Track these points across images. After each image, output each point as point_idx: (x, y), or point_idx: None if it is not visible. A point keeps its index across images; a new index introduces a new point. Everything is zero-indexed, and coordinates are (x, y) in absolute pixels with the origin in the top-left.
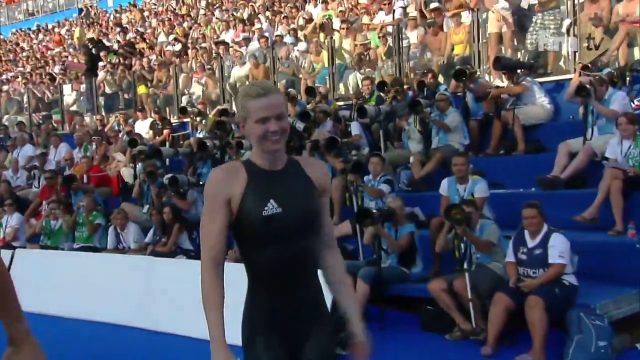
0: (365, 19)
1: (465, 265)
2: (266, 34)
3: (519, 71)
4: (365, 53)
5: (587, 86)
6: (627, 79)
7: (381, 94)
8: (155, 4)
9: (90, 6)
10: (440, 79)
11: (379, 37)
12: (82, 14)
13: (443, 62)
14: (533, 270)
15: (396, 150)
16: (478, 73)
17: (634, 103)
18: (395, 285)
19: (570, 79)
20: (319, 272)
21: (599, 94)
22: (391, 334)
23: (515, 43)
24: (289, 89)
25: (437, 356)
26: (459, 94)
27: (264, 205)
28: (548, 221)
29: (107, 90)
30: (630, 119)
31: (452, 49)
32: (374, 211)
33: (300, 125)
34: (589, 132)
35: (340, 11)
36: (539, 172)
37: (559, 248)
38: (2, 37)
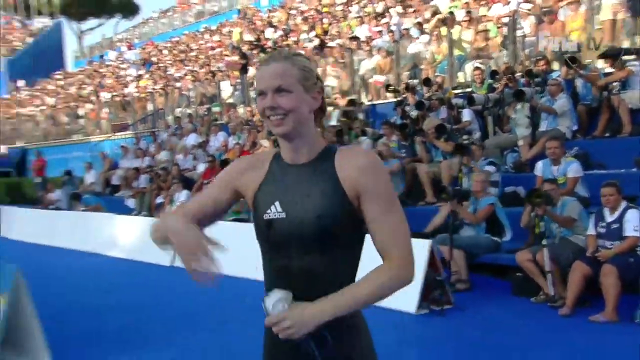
0: (483, 11)
1: (545, 241)
2: (394, 28)
3: (624, 57)
4: (484, 44)
5: None
6: None
7: (493, 82)
8: (300, 3)
9: (248, 8)
10: (556, 65)
11: (497, 28)
12: (241, 16)
13: (558, 49)
14: (610, 242)
15: (504, 135)
16: (589, 60)
17: None
18: (488, 255)
19: None
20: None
21: None
22: (484, 297)
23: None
24: (409, 80)
25: (522, 316)
26: (570, 79)
27: (268, 207)
28: None
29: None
30: None
31: (568, 36)
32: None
33: (414, 113)
34: None
35: (465, 3)
36: None
37: (634, 222)
38: (176, 39)
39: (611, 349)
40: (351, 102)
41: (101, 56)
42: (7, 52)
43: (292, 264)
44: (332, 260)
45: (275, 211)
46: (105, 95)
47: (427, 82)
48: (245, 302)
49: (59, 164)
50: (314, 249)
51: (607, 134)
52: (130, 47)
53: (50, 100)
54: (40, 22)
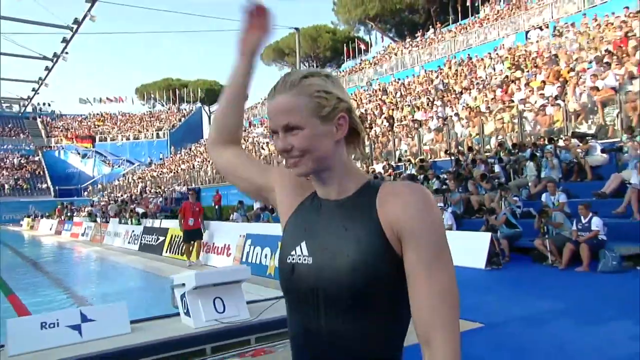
0: (500, 104)
1: (547, 235)
2: (440, 114)
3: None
4: (501, 126)
5: None
6: None
7: (512, 149)
8: (370, 95)
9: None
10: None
11: (512, 117)
12: None
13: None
14: (583, 233)
15: (519, 180)
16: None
17: None
18: (519, 241)
19: None
20: None
21: None
22: (518, 264)
23: None
24: (458, 147)
25: (538, 272)
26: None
27: (293, 247)
28: None
29: None
30: None
31: (551, 123)
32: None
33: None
34: None
35: (492, 99)
36: None
37: (596, 223)
38: None
39: (584, 283)
40: (422, 160)
41: None
42: (169, 128)
43: (320, 325)
44: (370, 324)
45: (300, 254)
46: None
47: (470, 149)
48: None
49: (233, 197)
50: (346, 309)
51: (579, 179)
52: (262, 123)
53: (198, 159)
54: (187, 108)
